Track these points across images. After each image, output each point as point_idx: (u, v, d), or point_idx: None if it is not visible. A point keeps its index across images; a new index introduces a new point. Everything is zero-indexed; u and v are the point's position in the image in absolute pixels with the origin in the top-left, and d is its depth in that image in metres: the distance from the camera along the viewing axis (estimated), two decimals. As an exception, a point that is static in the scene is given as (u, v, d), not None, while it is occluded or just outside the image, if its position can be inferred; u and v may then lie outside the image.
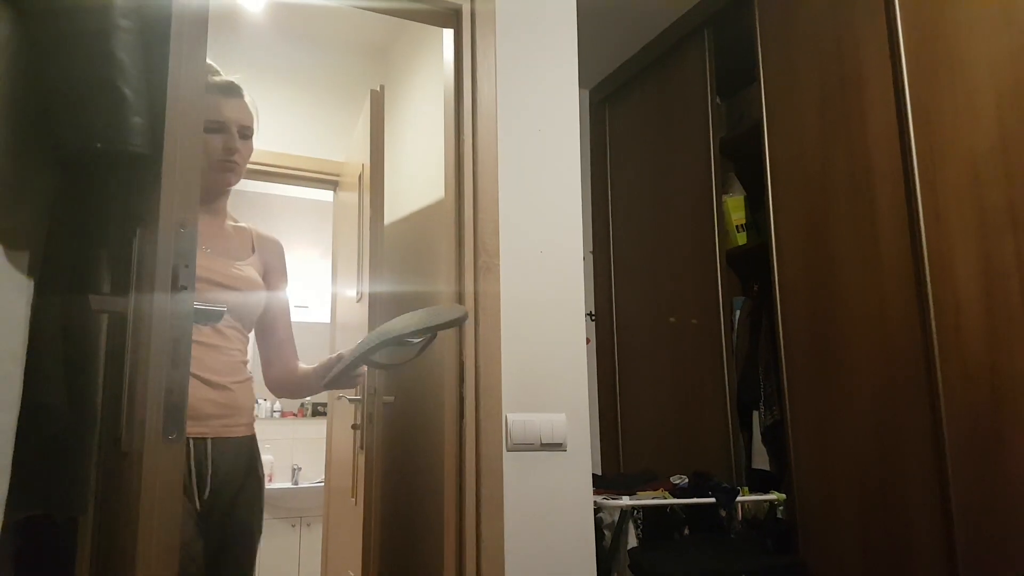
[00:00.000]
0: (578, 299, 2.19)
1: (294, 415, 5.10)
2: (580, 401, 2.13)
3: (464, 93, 2.14)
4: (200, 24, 0.94)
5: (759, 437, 2.78)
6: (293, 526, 4.36)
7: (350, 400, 2.64)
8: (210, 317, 0.99)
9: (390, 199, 2.79)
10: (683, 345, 3.08)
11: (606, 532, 2.43)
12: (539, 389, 2.07)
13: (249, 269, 1.69)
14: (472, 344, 1.98)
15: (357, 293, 2.71)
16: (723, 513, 2.52)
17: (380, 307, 2.47)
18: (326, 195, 3.80)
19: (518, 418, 2.02)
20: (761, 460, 2.78)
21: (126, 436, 0.89)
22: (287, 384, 1.87)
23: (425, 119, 2.73)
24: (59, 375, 1.01)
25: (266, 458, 5.32)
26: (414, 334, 1.58)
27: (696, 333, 3.00)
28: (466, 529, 1.91)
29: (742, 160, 3.05)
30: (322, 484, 3.52)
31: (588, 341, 3.54)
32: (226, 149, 1.66)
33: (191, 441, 1.55)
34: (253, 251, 1.75)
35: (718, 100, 3.08)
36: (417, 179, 2.72)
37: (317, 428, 4.60)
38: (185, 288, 0.87)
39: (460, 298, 2.03)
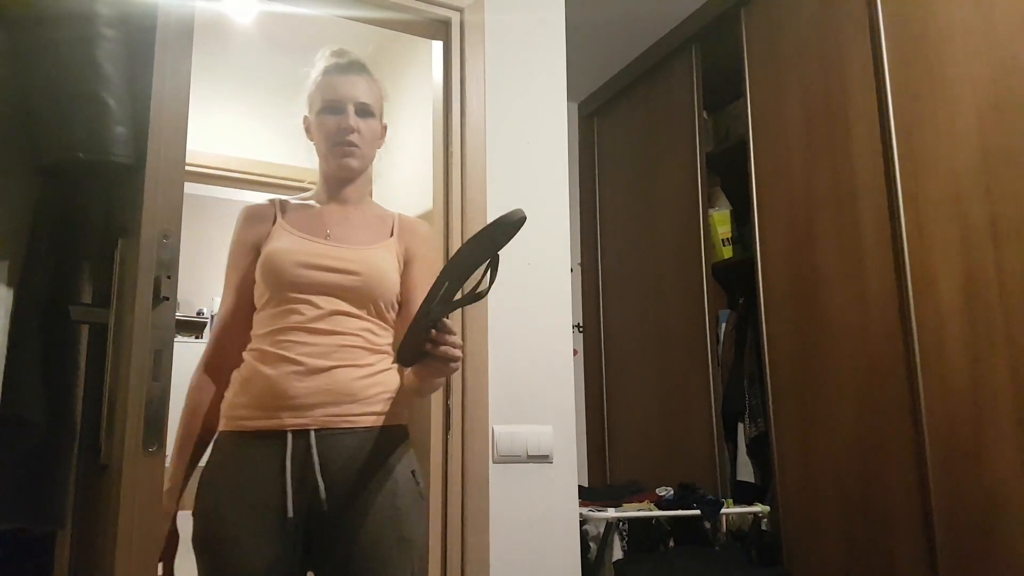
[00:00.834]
0: (565, 311, 2.20)
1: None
2: (567, 413, 2.13)
3: (453, 105, 2.15)
4: (185, 34, 0.93)
5: (744, 449, 2.79)
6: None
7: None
8: (191, 329, 0.98)
9: (377, 209, 2.78)
10: (669, 357, 3.08)
11: (592, 544, 2.43)
12: (526, 401, 2.07)
13: (378, 253, 1.53)
14: (458, 356, 1.97)
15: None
16: (708, 525, 2.52)
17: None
18: (313, 205, 3.79)
19: (504, 430, 2.01)
20: (746, 472, 2.78)
21: (105, 449, 0.88)
22: None
23: (413, 130, 2.74)
24: (38, 386, 1.00)
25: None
26: (477, 255, 1.28)
27: (682, 345, 3.01)
28: (451, 541, 1.90)
29: (728, 174, 3.07)
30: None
31: (575, 353, 3.54)
32: (340, 129, 1.53)
33: (288, 434, 1.36)
34: (392, 235, 1.60)
35: (705, 115, 3.10)
36: (405, 190, 2.72)
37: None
38: (167, 299, 0.86)
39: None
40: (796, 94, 2.56)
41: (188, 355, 5.90)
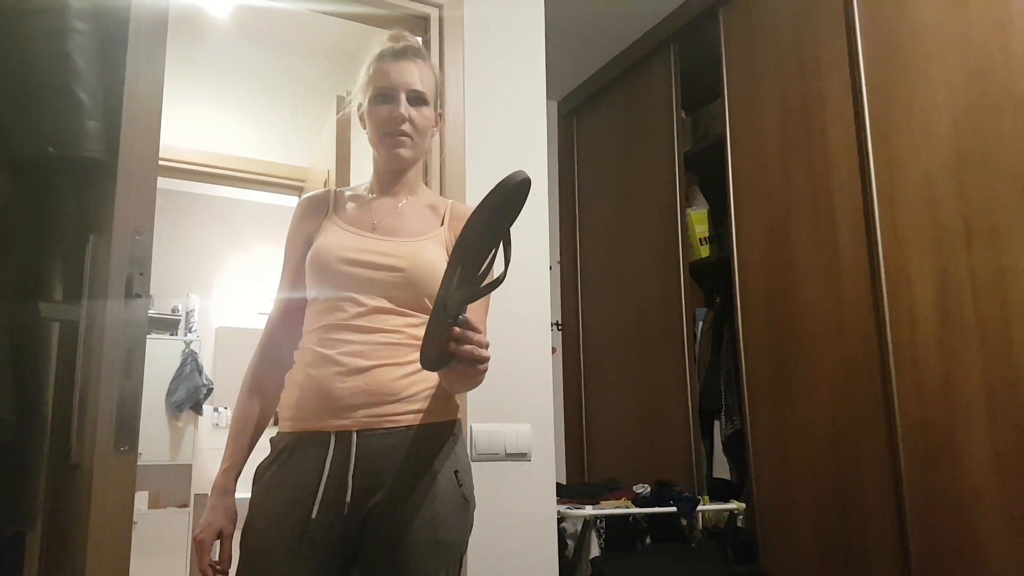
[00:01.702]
0: (544, 309, 2.20)
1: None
2: (545, 411, 2.13)
3: (431, 102, 2.14)
4: (159, 27, 0.92)
5: (720, 446, 2.81)
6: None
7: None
8: (166, 326, 0.97)
9: (355, 206, 2.76)
10: (647, 355, 3.10)
11: (569, 542, 2.43)
12: (504, 399, 2.07)
13: (426, 246, 1.47)
14: (436, 354, 1.97)
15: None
16: (684, 522, 2.53)
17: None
18: (291, 200, 3.76)
19: (483, 428, 2.01)
20: (722, 469, 2.80)
21: (76, 448, 0.86)
22: None
23: (392, 127, 2.72)
24: (7, 384, 0.98)
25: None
26: (485, 232, 1.14)
27: (660, 343, 3.03)
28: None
29: (706, 174, 3.09)
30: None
31: (554, 351, 3.55)
32: (391, 118, 1.47)
33: (332, 436, 1.34)
34: (442, 224, 1.53)
35: (683, 114, 3.12)
36: (383, 187, 2.71)
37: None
38: (139, 296, 0.85)
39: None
40: (773, 94, 2.58)
41: (163, 352, 5.77)
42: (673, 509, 2.49)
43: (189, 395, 5.32)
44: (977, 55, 1.96)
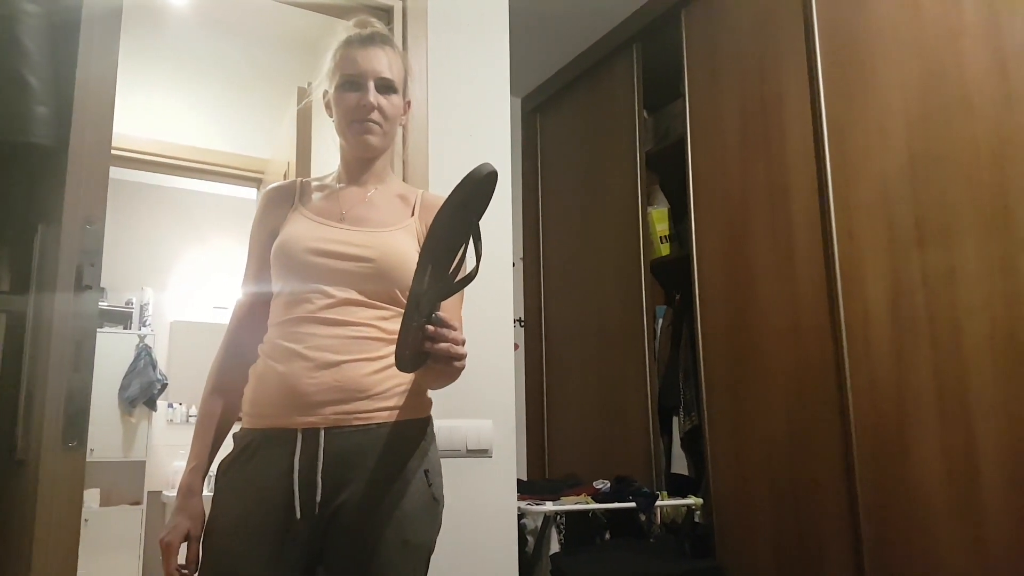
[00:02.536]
0: (507, 305, 2.20)
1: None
2: (507, 407, 2.13)
3: (394, 95, 2.12)
4: (113, 12, 0.90)
5: (679, 442, 2.84)
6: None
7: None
8: (118, 319, 0.94)
9: (316, 200, 2.73)
10: (608, 352, 3.12)
11: (529, 538, 2.44)
12: (466, 395, 2.06)
13: (396, 236, 1.44)
14: (397, 349, 1.95)
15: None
16: (643, 517, 2.56)
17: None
18: (250, 192, 3.70)
19: (444, 424, 1.99)
20: (680, 465, 2.84)
21: (22, 443, 0.84)
22: None
23: (354, 120, 2.69)
24: (-51, 378, 0.95)
25: (179, 464, 5.15)
26: (455, 228, 1.12)
27: (620, 340, 3.05)
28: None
29: (667, 173, 3.12)
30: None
31: (516, 347, 3.55)
32: (359, 106, 1.44)
33: (299, 434, 1.30)
34: (412, 215, 1.50)
35: (645, 114, 3.15)
36: (344, 180, 2.68)
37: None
38: (90, 287, 0.82)
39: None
40: (733, 95, 2.61)
41: (116, 346, 5.65)
42: (632, 505, 2.51)
43: (143, 390, 5.21)
44: (931, 60, 2.01)
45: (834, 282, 2.19)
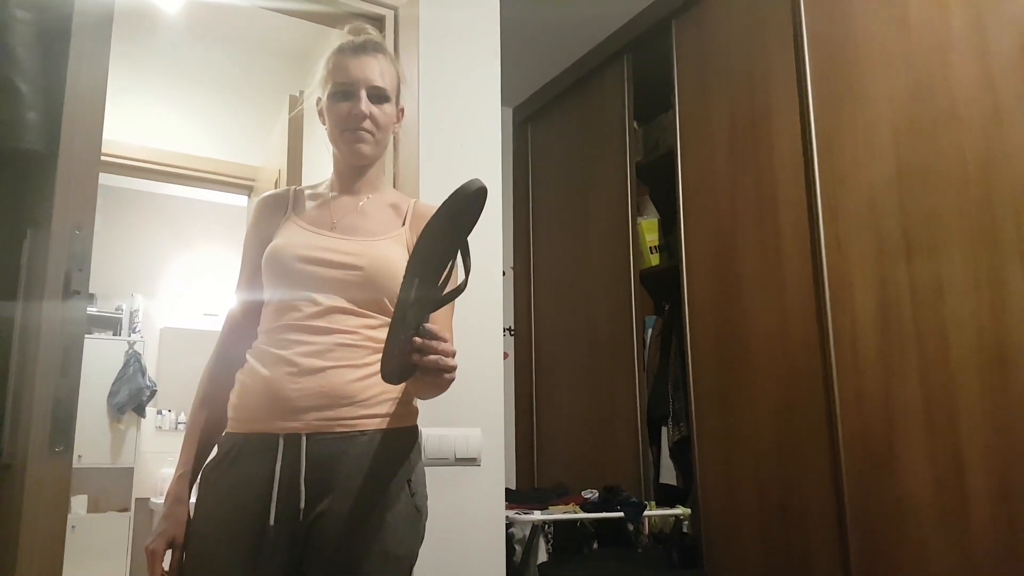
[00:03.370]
0: (497, 314, 2.20)
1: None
2: (496, 416, 2.13)
3: (385, 104, 2.12)
4: (104, 19, 0.90)
5: (667, 452, 2.85)
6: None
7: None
8: (106, 325, 0.94)
9: (307, 207, 2.73)
10: (597, 362, 3.13)
11: (517, 547, 2.44)
12: (455, 403, 2.06)
13: (386, 245, 1.44)
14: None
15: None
16: (631, 527, 2.56)
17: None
18: (240, 200, 3.70)
19: (433, 432, 2.00)
20: (669, 475, 2.84)
21: (8, 447, 0.83)
22: None
23: (346, 128, 2.70)
24: (-64, 382, 0.94)
25: (167, 471, 5.12)
26: (443, 241, 1.12)
27: (610, 350, 3.06)
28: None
29: (657, 184, 3.14)
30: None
31: (506, 356, 3.56)
32: (351, 115, 1.44)
33: (280, 439, 1.29)
34: (404, 224, 1.50)
35: (635, 125, 3.16)
36: (336, 188, 2.68)
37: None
38: (78, 293, 0.82)
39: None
40: (723, 107, 2.63)
41: (105, 352, 5.63)
42: (620, 514, 2.51)
43: (132, 397, 5.18)
44: (919, 73, 2.03)
45: (822, 293, 2.21)
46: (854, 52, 2.20)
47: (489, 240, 2.21)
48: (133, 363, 5.24)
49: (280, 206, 1.51)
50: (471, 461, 2.06)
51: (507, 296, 3.63)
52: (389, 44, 2.16)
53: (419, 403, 1.60)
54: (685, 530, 2.61)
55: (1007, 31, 1.86)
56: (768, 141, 2.44)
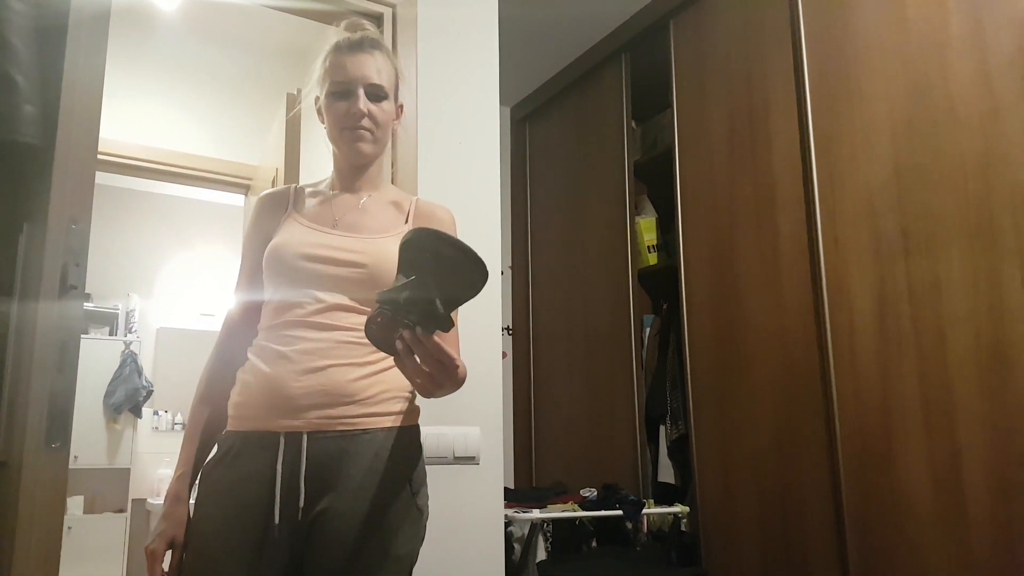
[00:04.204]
0: (495, 313, 2.20)
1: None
2: (494, 414, 2.13)
3: (383, 102, 2.12)
4: (101, 12, 0.90)
5: (665, 451, 2.85)
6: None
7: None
8: (103, 320, 0.94)
9: (305, 206, 2.73)
10: (595, 360, 3.13)
11: (516, 546, 2.43)
12: (454, 402, 2.04)
13: (389, 243, 1.41)
14: (384, 355, 1.95)
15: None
16: (629, 526, 2.56)
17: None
18: (237, 199, 3.69)
19: (431, 431, 1.99)
20: (667, 473, 2.84)
21: (5, 444, 0.83)
22: None
23: (343, 127, 2.69)
24: (-69, 378, 0.94)
25: (164, 472, 5.11)
26: (463, 278, 1.14)
27: (608, 349, 3.06)
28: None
29: (655, 183, 3.14)
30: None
31: (504, 355, 3.55)
32: (350, 114, 1.43)
33: (281, 438, 1.29)
34: (406, 222, 1.49)
35: (633, 124, 3.16)
36: (333, 187, 2.68)
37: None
38: (75, 288, 0.82)
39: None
40: (721, 106, 2.63)
41: (102, 352, 5.62)
42: (619, 512, 2.51)
43: (128, 397, 5.17)
44: (917, 73, 2.03)
45: (820, 292, 2.21)
46: (852, 51, 2.20)
47: (487, 239, 2.21)
48: (129, 363, 5.22)
49: (280, 204, 1.51)
50: (470, 460, 2.05)
51: (505, 295, 3.63)
52: (387, 41, 2.15)
53: (419, 401, 1.60)
54: (683, 528, 2.61)
55: (1005, 31, 1.86)
56: (766, 140, 2.44)
